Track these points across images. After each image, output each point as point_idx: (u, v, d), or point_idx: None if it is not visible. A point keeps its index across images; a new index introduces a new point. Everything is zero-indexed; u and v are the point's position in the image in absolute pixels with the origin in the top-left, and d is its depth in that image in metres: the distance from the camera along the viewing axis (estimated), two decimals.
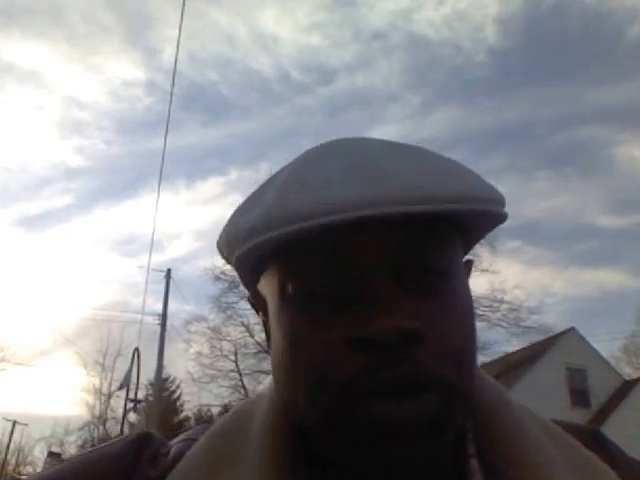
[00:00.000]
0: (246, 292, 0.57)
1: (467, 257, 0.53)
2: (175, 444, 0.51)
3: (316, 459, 0.46)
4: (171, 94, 9.26)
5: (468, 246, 0.52)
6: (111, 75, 26.54)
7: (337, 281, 0.43)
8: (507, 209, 0.51)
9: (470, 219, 0.47)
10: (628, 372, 20.09)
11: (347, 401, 0.41)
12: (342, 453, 0.43)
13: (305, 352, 0.43)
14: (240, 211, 0.48)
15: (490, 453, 0.47)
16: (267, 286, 0.50)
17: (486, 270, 15.20)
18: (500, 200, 0.47)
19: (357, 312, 0.41)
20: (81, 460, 0.50)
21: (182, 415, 24.93)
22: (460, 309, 0.45)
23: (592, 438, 0.53)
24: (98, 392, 22.21)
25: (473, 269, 0.55)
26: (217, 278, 17.07)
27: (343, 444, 0.42)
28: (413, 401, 0.40)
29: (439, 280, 0.44)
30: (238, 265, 0.49)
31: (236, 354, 17.69)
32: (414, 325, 0.40)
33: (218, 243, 0.51)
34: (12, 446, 25.61)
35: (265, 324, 0.53)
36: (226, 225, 0.49)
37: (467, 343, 0.44)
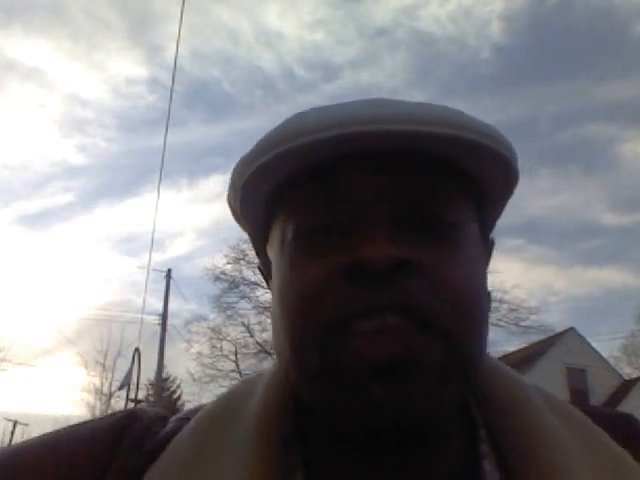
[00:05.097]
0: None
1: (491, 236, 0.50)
2: (171, 422, 0.47)
3: (316, 434, 0.44)
4: (171, 91, 9.29)
5: (484, 210, 0.48)
6: (113, 72, 26.59)
7: (334, 215, 0.42)
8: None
9: (477, 168, 0.44)
10: (628, 372, 20.10)
11: (330, 339, 0.39)
12: (332, 405, 0.39)
13: (297, 288, 0.41)
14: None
15: (507, 455, 0.43)
16: (272, 243, 0.47)
17: None
18: (506, 145, 0.43)
19: (349, 240, 0.40)
20: (53, 440, 0.44)
21: None
22: (465, 259, 0.42)
23: (625, 428, 0.49)
24: (99, 392, 22.18)
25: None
26: (218, 278, 17.11)
27: (330, 395, 0.39)
28: (398, 331, 0.37)
29: (443, 229, 0.41)
30: (242, 202, 0.46)
31: (236, 354, 17.70)
32: (406, 254, 0.38)
33: (228, 191, 0.48)
34: None
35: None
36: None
37: (469, 290, 0.41)
